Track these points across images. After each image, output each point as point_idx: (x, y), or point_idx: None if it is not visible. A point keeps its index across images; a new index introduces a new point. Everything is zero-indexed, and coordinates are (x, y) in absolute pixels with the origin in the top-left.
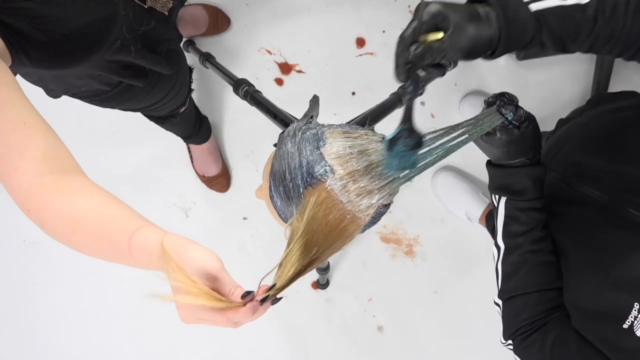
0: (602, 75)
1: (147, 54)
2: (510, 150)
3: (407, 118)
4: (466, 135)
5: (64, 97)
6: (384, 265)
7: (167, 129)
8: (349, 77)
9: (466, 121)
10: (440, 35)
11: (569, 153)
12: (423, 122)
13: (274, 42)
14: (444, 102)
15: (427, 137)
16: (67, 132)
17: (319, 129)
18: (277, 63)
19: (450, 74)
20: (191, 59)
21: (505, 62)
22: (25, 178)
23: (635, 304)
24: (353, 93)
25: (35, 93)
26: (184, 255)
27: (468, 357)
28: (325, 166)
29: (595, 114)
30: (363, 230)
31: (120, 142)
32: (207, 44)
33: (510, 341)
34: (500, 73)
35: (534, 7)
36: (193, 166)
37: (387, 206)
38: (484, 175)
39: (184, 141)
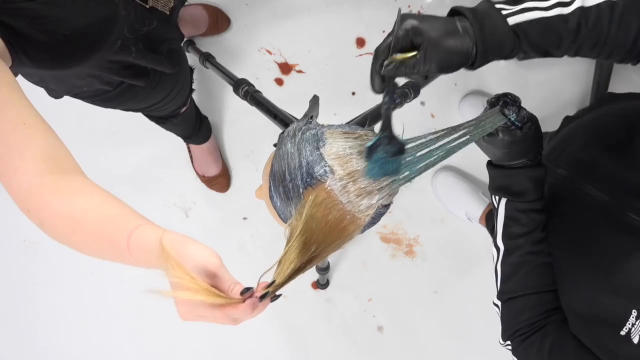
0: (602, 75)
1: (148, 53)
2: (512, 151)
3: (386, 126)
4: (467, 136)
5: (64, 97)
6: (384, 265)
7: (167, 129)
8: (349, 77)
9: (468, 122)
10: (410, 55)
11: (575, 152)
12: (423, 122)
13: (274, 42)
14: (444, 102)
15: (411, 145)
16: (67, 132)
17: (319, 129)
18: (277, 63)
19: (450, 74)
20: (191, 59)
21: (505, 62)
22: (25, 178)
23: (633, 310)
24: (353, 93)
25: (35, 93)
26: (183, 253)
27: (468, 357)
28: (325, 166)
29: (602, 113)
30: (363, 231)
31: (120, 142)
32: (207, 44)
33: (509, 342)
34: (500, 73)
35: (512, 20)
36: (193, 166)
37: (387, 206)
38: (484, 176)
39: (184, 141)
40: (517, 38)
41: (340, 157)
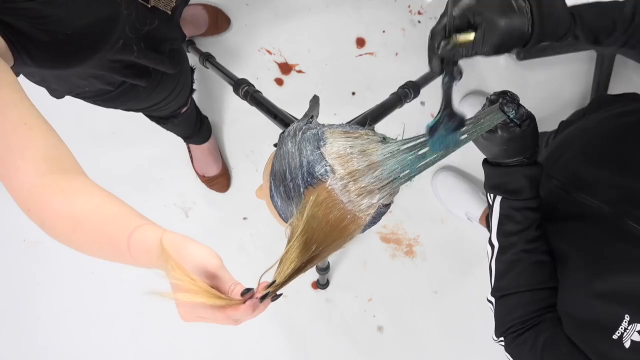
0: (602, 75)
1: (150, 53)
2: (510, 148)
3: (447, 104)
4: (466, 135)
5: (65, 97)
6: (384, 265)
7: (168, 129)
8: (349, 77)
9: (468, 119)
10: (471, 36)
11: (570, 161)
12: (423, 121)
13: (274, 42)
14: None
15: (420, 152)
16: (67, 132)
17: (319, 128)
18: (277, 63)
19: None
20: (191, 59)
21: (505, 62)
22: (26, 178)
23: (626, 315)
24: (353, 93)
25: (35, 93)
26: (183, 253)
27: (468, 357)
28: (326, 166)
29: (598, 119)
30: (363, 230)
31: (120, 142)
32: (207, 44)
33: (502, 338)
34: (500, 73)
35: (570, 1)
36: (193, 166)
37: (387, 206)
38: (483, 175)
39: (184, 141)
40: (574, 20)
41: (341, 156)
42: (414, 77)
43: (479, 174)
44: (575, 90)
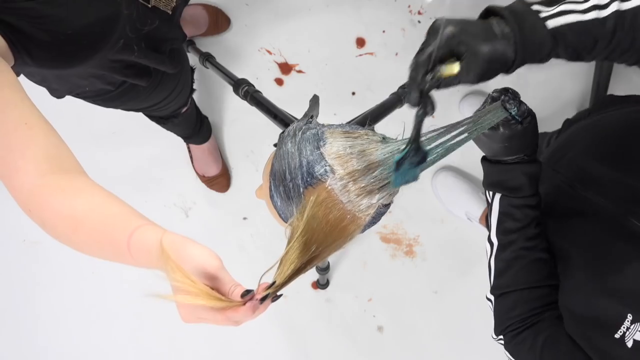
0: (602, 75)
1: (150, 53)
2: (511, 145)
3: (416, 138)
4: (466, 134)
5: (65, 97)
6: (384, 265)
7: (168, 129)
8: (349, 77)
9: (467, 118)
10: (456, 68)
11: (575, 157)
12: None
13: (274, 42)
14: (444, 102)
15: (429, 148)
16: (67, 132)
17: (319, 128)
18: (277, 63)
19: None
20: (191, 59)
21: None
22: (27, 178)
23: (629, 314)
24: (353, 93)
25: (35, 93)
26: (183, 254)
27: (468, 357)
28: (326, 166)
29: (603, 117)
30: (363, 230)
31: (120, 142)
32: (207, 44)
33: (501, 336)
34: None
35: (551, 23)
36: (193, 166)
37: (387, 206)
38: (483, 175)
39: (185, 141)
40: (555, 41)
41: (340, 156)
42: None
43: (479, 173)
44: (575, 90)
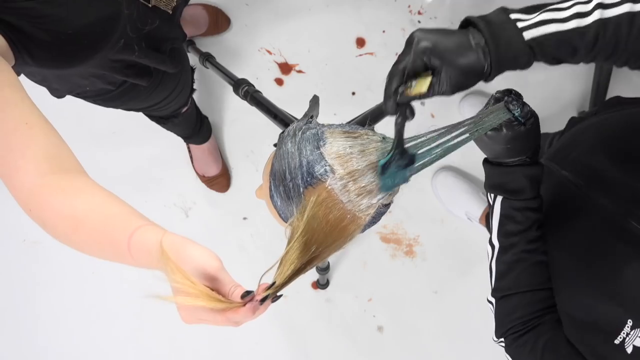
0: (602, 75)
1: (151, 52)
2: (514, 147)
3: (399, 144)
4: (468, 134)
5: (65, 97)
6: (384, 265)
7: (168, 129)
8: (349, 77)
9: (469, 118)
10: (425, 85)
11: (580, 156)
12: (423, 121)
13: (274, 42)
14: (444, 102)
15: (419, 152)
16: (67, 132)
17: (319, 128)
18: (277, 63)
19: None
20: (191, 59)
21: None
22: (27, 178)
23: (629, 320)
24: (353, 93)
25: (36, 93)
26: (183, 255)
27: (468, 357)
28: (326, 166)
29: (611, 117)
30: (363, 230)
31: (120, 142)
32: (207, 44)
33: (502, 339)
34: None
35: (528, 35)
36: (193, 166)
37: (387, 206)
38: (483, 175)
39: (185, 141)
40: (532, 52)
41: (340, 156)
42: None
43: (479, 174)
44: (575, 90)
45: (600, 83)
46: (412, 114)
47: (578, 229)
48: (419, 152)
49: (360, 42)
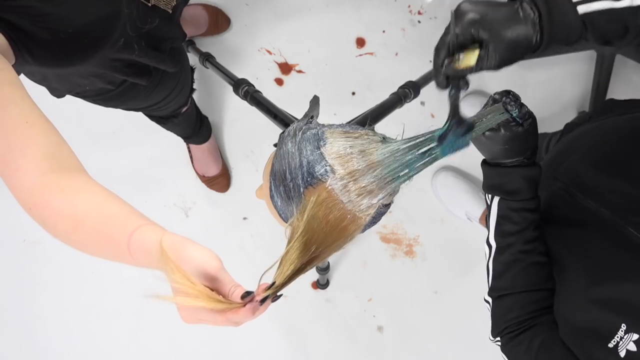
0: (602, 75)
1: (150, 52)
2: (512, 147)
3: (454, 114)
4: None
5: (65, 97)
6: (384, 265)
7: (168, 129)
8: (349, 77)
9: (469, 118)
10: (473, 58)
11: (575, 163)
12: (423, 121)
13: (274, 42)
14: (444, 102)
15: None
16: (67, 132)
17: (320, 128)
18: (277, 63)
19: None
20: (191, 59)
21: None
22: (27, 177)
23: (623, 324)
24: (353, 93)
25: (35, 92)
26: (182, 255)
27: (468, 357)
28: (326, 166)
29: (606, 122)
30: (363, 230)
31: (120, 142)
32: (207, 44)
33: (498, 338)
34: (499, 73)
35: (582, 9)
36: (193, 166)
37: (387, 206)
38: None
39: (184, 141)
40: (584, 27)
41: (341, 156)
42: (414, 77)
43: (479, 174)
44: (575, 90)
45: (600, 83)
46: (467, 84)
47: (576, 237)
48: (419, 152)
49: (360, 42)
